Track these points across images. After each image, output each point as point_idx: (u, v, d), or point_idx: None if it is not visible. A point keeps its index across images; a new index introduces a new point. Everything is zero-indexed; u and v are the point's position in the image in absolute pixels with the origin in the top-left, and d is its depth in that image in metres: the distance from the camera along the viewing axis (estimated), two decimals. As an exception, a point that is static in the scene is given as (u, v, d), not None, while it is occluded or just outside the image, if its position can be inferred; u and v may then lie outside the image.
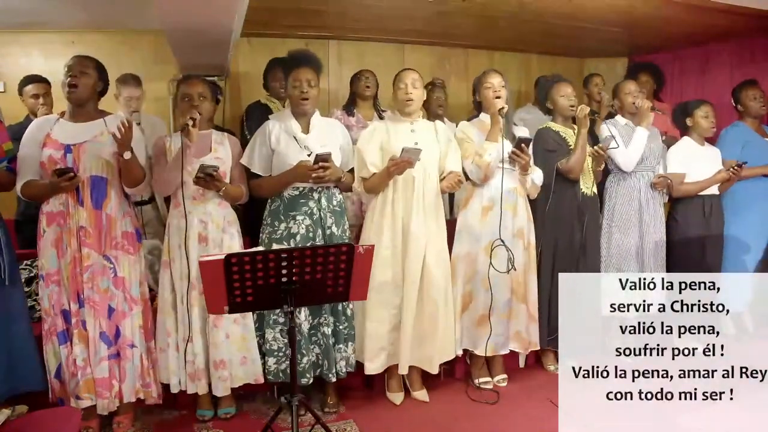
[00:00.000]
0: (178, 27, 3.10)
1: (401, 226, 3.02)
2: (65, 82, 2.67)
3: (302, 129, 2.94)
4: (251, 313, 2.91)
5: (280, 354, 2.91)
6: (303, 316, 2.88)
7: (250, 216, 3.43)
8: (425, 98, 3.22)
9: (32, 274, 3.18)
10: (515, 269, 3.16)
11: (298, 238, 2.89)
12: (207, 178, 2.74)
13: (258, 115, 3.87)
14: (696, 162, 3.66)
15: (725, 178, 3.64)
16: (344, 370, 2.99)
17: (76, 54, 2.77)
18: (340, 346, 2.97)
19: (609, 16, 4.03)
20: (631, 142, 3.54)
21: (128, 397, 2.78)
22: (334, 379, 2.98)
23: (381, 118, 4.03)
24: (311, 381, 2.94)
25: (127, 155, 2.64)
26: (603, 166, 3.46)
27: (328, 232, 2.93)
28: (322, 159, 2.77)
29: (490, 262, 3.14)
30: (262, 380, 2.94)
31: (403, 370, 3.10)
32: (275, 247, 2.85)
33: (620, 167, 3.58)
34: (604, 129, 3.61)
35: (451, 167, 3.12)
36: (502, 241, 3.13)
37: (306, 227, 2.90)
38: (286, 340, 2.92)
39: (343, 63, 5.00)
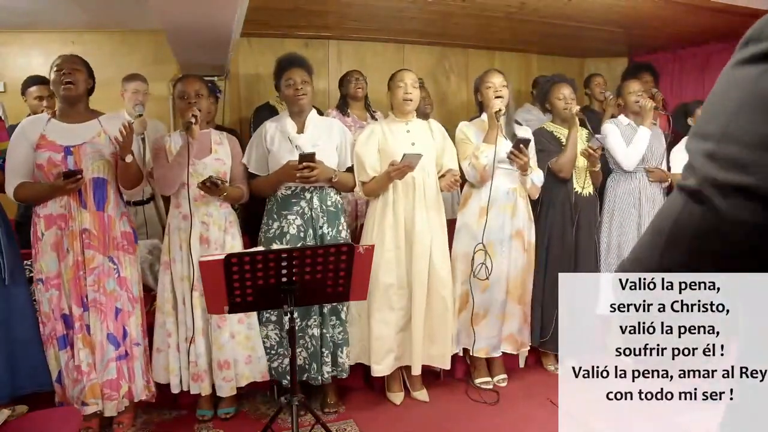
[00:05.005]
0: (178, 27, 3.10)
1: (404, 226, 3.03)
2: (60, 80, 2.64)
3: (298, 129, 2.95)
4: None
5: (272, 352, 2.95)
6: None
7: (248, 215, 3.43)
8: None
9: (32, 275, 3.17)
10: (488, 279, 3.16)
11: (288, 237, 2.90)
12: (212, 187, 2.74)
13: (265, 116, 3.88)
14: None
15: None
16: (327, 375, 2.97)
17: (63, 54, 2.74)
18: (326, 351, 2.95)
19: (609, 16, 4.02)
20: (633, 141, 3.54)
21: (138, 395, 2.79)
22: (317, 383, 2.98)
23: (374, 118, 4.04)
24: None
25: (128, 159, 2.64)
26: (598, 166, 3.43)
27: (320, 232, 2.93)
28: (307, 159, 2.77)
29: (471, 268, 3.16)
30: (268, 377, 2.94)
31: (416, 371, 3.10)
32: (272, 245, 2.86)
33: (621, 166, 3.58)
34: (606, 129, 3.61)
35: (449, 165, 3.13)
36: (484, 246, 3.13)
37: (297, 227, 2.90)
38: (278, 338, 2.95)
39: (343, 63, 5.00)
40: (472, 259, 3.16)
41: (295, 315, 2.85)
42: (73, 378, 2.67)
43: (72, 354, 2.67)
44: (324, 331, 2.94)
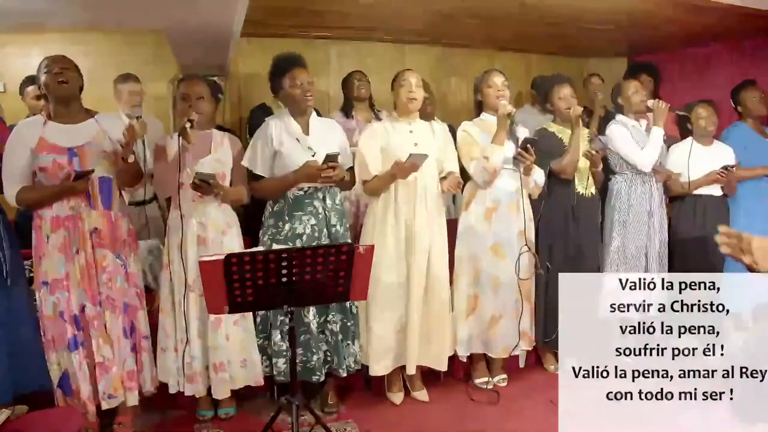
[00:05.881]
0: (178, 27, 3.11)
1: (405, 226, 3.03)
2: (53, 80, 2.60)
3: (302, 130, 2.95)
4: (252, 314, 2.91)
5: (287, 354, 2.91)
6: (311, 315, 2.89)
7: (251, 217, 3.43)
8: None
9: (31, 275, 3.17)
10: (547, 270, 3.18)
11: (304, 238, 2.89)
12: (203, 185, 2.74)
13: (262, 117, 3.87)
14: (696, 162, 3.64)
15: (714, 180, 3.63)
16: (353, 366, 2.99)
17: (51, 54, 2.70)
18: (348, 342, 2.98)
19: (609, 16, 4.03)
20: (648, 142, 3.50)
21: (148, 387, 2.83)
22: (344, 374, 2.97)
23: (378, 118, 4.03)
24: (322, 378, 2.95)
25: (130, 159, 2.64)
26: (600, 167, 3.41)
27: (333, 230, 2.94)
28: (332, 159, 2.78)
29: (517, 269, 3.15)
30: (261, 382, 2.94)
31: (411, 371, 3.10)
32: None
33: (639, 168, 3.53)
34: (613, 131, 3.58)
35: (450, 168, 3.14)
36: (529, 247, 3.14)
37: (311, 227, 2.90)
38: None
39: (343, 63, 5.00)
40: (518, 259, 3.15)
41: (314, 312, 2.88)
42: (86, 378, 2.65)
43: (86, 354, 2.66)
44: (345, 321, 2.97)
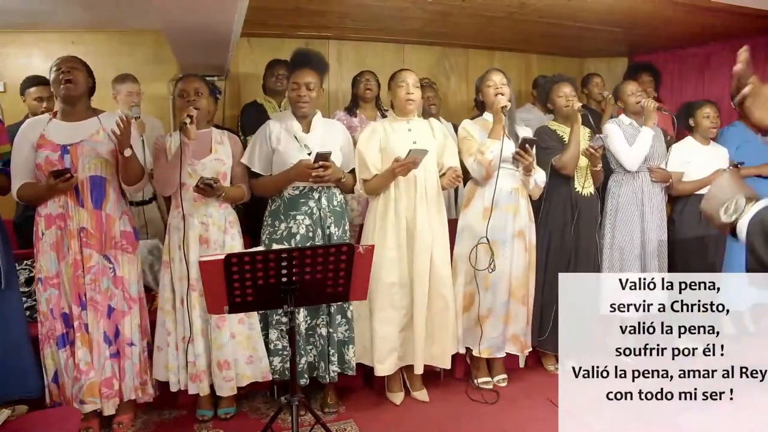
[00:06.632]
0: (178, 27, 3.10)
1: (406, 225, 3.03)
2: (59, 79, 2.63)
3: (303, 129, 2.95)
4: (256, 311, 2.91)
5: (285, 353, 2.91)
6: (301, 317, 2.88)
7: (250, 216, 3.43)
8: None
9: (32, 274, 3.17)
10: (491, 270, 3.14)
11: (298, 238, 2.89)
12: (207, 189, 2.74)
13: (253, 114, 3.89)
14: (697, 161, 3.65)
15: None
16: (334, 373, 2.96)
17: (52, 55, 2.74)
18: (332, 350, 2.95)
19: (609, 16, 4.03)
20: (636, 141, 3.54)
21: (127, 394, 2.79)
22: (327, 381, 2.98)
23: (384, 116, 4.04)
24: (308, 382, 2.95)
25: (127, 152, 2.64)
26: (600, 165, 3.42)
27: (327, 232, 2.93)
28: (322, 158, 2.77)
29: (470, 259, 3.14)
30: (270, 377, 2.93)
31: (419, 370, 3.10)
32: (275, 247, 2.85)
33: (624, 167, 3.57)
34: (608, 129, 3.61)
35: (449, 163, 3.14)
36: (487, 240, 3.12)
37: (306, 227, 2.90)
38: None
39: (343, 63, 5.00)
40: (474, 252, 3.13)
41: (305, 314, 2.88)
42: (72, 377, 2.67)
43: (72, 352, 2.67)
44: (330, 330, 2.95)
